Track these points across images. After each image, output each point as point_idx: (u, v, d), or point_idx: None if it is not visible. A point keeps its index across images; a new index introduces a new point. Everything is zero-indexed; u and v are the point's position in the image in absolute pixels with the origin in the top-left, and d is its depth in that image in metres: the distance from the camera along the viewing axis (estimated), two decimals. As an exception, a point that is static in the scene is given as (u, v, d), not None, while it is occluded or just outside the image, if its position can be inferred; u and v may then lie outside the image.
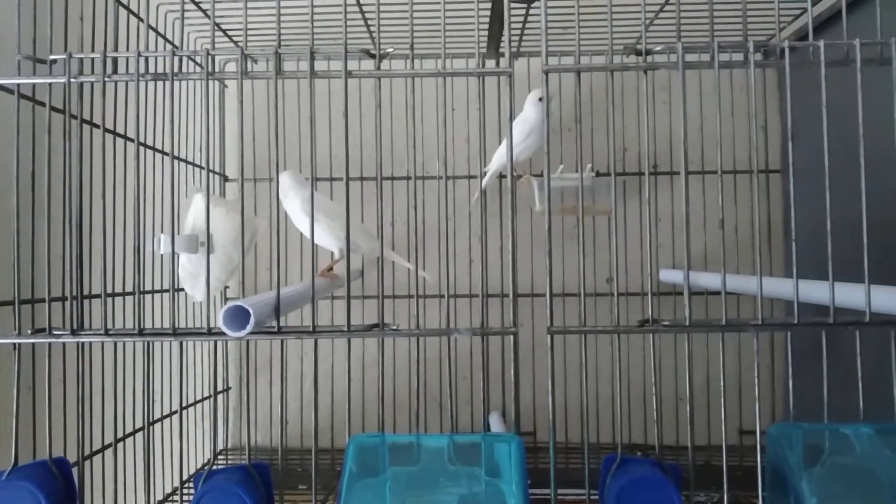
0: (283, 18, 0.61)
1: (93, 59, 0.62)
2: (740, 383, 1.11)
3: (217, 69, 1.10)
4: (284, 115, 0.66)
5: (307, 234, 0.64)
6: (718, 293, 1.09)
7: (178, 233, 0.78)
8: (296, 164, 1.11)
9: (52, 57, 0.60)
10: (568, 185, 1.11)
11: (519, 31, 1.06)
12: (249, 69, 0.60)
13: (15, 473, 0.58)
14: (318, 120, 0.61)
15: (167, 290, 0.63)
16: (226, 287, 1.15)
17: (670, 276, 1.12)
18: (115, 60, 0.61)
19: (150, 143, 0.91)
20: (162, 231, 1.01)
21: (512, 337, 0.59)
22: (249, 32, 0.68)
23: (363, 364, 1.16)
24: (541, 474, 1.12)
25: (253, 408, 1.23)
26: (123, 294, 0.87)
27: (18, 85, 0.61)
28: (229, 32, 1.09)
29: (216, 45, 0.61)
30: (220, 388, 1.20)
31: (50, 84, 0.61)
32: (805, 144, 0.66)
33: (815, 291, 0.63)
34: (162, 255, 1.01)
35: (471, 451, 0.57)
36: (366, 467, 0.55)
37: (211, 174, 1.19)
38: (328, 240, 0.84)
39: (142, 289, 0.62)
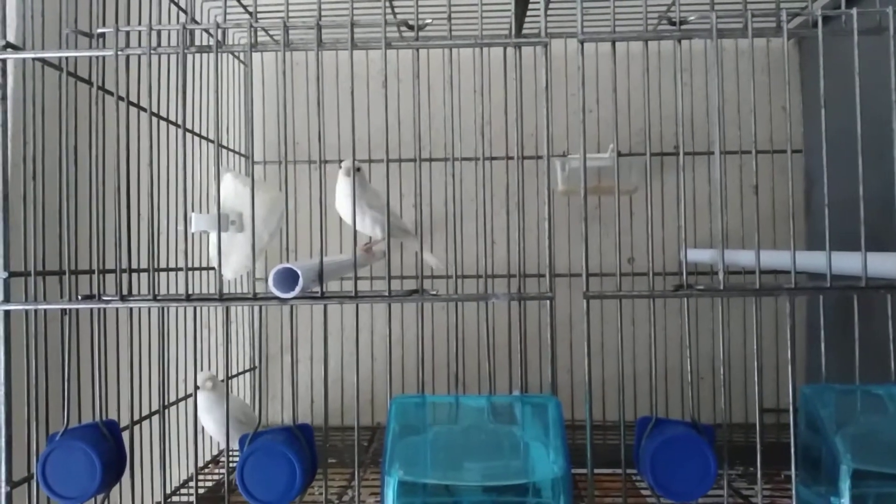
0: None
1: (132, 35, 0.63)
2: (761, 362, 1.12)
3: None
4: (317, 99, 0.67)
5: (349, 219, 0.66)
6: (739, 272, 1.10)
7: (208, 212, 0.80)
8: (323, 145, 1.12)
9: (100, 30, 0.61)
10: (588, 166, 1.12)
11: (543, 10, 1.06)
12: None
13: (68, 434, 0.60)
14: (343, 106, 0.62)
15: (211, 269, 0.64)
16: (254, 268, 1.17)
17: (691, 255, 1.13)
18: (158, 36, 0.63)
19: (169, 118, 0.93)
20: (193, 210, 1.04)
21: (548, 302, 0.60)
22: (279, 10, 0.70)
23: (390, 344, 1.18)
24: (572, 450, 1.14)
25: (278, 385, 1.25)
26: (168, 269, 0.89)
27: (66, 59, 0.63)
28: (262, 13, 1.10)
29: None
30: (245, 367, 1.22)
31: (93, 58, 0.63)
32: (827, 123, 0.67)
33: (842, 261, 0.64)
34: (201, 235, 1.03)
35: (509, 411, 0.58)
36: (407, 427, 0.57)
37: (237, 156, 1.21)
38: (376, 229, 0.87)
39: (188, 264, 0.63)
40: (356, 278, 0.63)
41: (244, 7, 1.01)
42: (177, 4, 0.92)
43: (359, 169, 0.85)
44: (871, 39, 0.59)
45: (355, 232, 0.63)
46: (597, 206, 1.22)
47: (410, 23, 0.60)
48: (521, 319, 0.62)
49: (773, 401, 1.15)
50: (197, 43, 0.64)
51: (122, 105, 0.64)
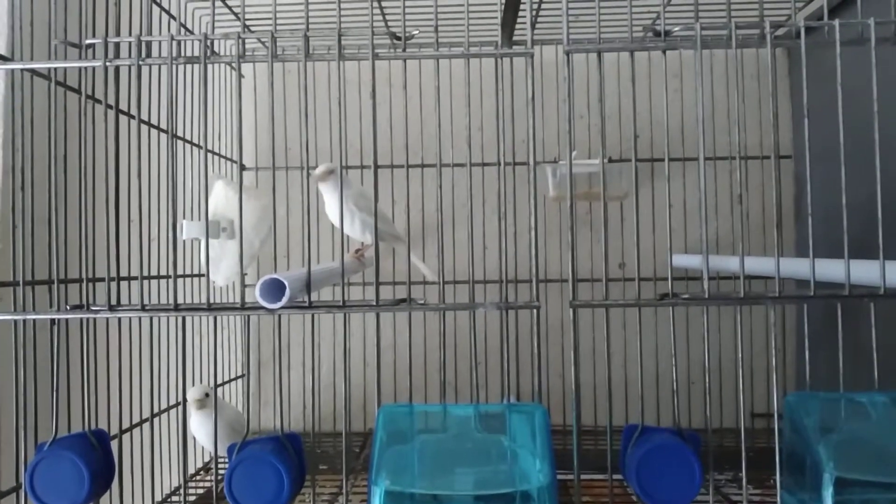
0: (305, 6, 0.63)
1: (121, 45, 0.64)
2: (752, 367, 1.13)
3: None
4: (304, 108, 0.68)
5: (339, 224, 0.67)
6: (730, 277, 1.11)
7: (199, 219, 0.80)
8: (314, 152, 1.13)
9: (88, 41, 0.61)
10: (579, 172, 1.13)
11: (532, 20, 1.07)
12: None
13: (56, 444, 0.60)
14: (335, 112, 0.62)
15: (201, 275, 0.64)
16: (244, 274, 1.18)
17: (682, 260, 1.13)
18: (148, 46, 0.63)
19: (160, 126, 0.93)
20: (184, 217, 1.04)
21: (535, 311, 0.61)
22: (269, 17, 0.70)
23: (378, 351, 1.18)
24: (558, 456, 1.14)
25: (271, 392, 1.25)
26: (158, 277, 0.89)
27: (55, 69, 0.63)
28: (252, 20, 1.11)
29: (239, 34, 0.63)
30: (235, 374, 1.22)
31: (82, 68, 0.63)
32: (816, 131, 0.68)
33: (828, 269, 0.64)
34: (192, 241, 1.03)
35: (496, 420, 0.59)
36: (395, 435, 0.57)
37: (228, 162, 1.21)
38: (366, 234, 0.87)
39: (176, 272, 0.63)
40: (343, 286, 0.63)
41: (235, 14, 1.02)
42: (167, 11, 0.93)
43: (331, 171, 0.85)
44: (858, 48, 0.60)
45: (343, 238, 0.63)
46: (588, 212, 1.23)
47: (398, 34, 0.60)
48: (506, 328, 0.63)
49: (765, 406, 1.16)
50: (188, 51, 0.65)
51: (112, 114, 0.64)
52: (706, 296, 0.59)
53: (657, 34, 0.59)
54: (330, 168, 0.84)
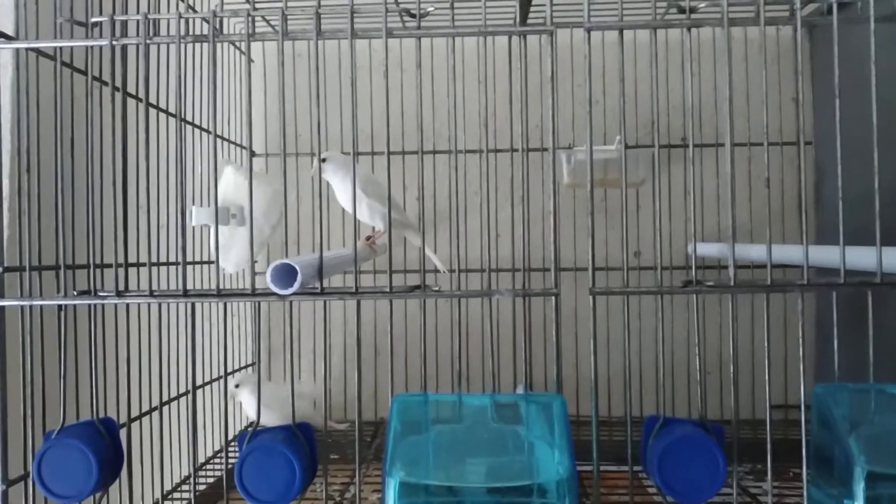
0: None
1: (128, 24, 0.62)
2: (770, 357, 1.10)
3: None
4: (316, 89, 0.66)
5: (350, 210, 0.65)
6: (748, 266, 1.08)
7: (209, 205, 0.79)
8: (325, 137, 1.11)
9: (94, 19, 0.60)
10: (595, 158, 1.10)
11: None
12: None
13: (64, 432, 0.59)
14: (346, 97, 0.60)
15: (210, 262, 0.63)
16: (255, 262, 1.16)
17: (701, 248, 1.11)
18: (155, 24, 0.61)
19: (169, 109, 0.91)
20: (193, 203, 1.02)
21: (553, 298, 0.59)
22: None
23: (391, 341, 1.17)
24: (577, 446, 1.13)
25: (280, 381, 1.24)
26: (168, 264, 0.88)
27: (60, 49, 0.62)
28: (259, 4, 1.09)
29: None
30: (246, 363, 1.21)
31: (89, 49, 0.62)
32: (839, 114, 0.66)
33: (855, 256, 0.62)
34: (201, 228, 1.01)
35: (512, 410, 0.57)
36: (410, 425, 0.56)
37: (238, 148, 1.19)
38: (375, 218, 0.86)
39: (185, 259, 0.62)
40: (357, 272, 0.61)
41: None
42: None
43: (325, 160, 0.84)
44: (883, 29, 0.57)
45: (356, 224, 0.62)
46: (603, 199, 1.20)
47: (413, 11, 0.58)
48: (525, 316, 0.61)
49: (781, 397, 1.14)
50: (195, 30, 0.63)
51: (119, 96, 0.62)
52: (732, 283, 0.57)
53: (681, 10, 0.57)
54: (324, 157, 0.84)
